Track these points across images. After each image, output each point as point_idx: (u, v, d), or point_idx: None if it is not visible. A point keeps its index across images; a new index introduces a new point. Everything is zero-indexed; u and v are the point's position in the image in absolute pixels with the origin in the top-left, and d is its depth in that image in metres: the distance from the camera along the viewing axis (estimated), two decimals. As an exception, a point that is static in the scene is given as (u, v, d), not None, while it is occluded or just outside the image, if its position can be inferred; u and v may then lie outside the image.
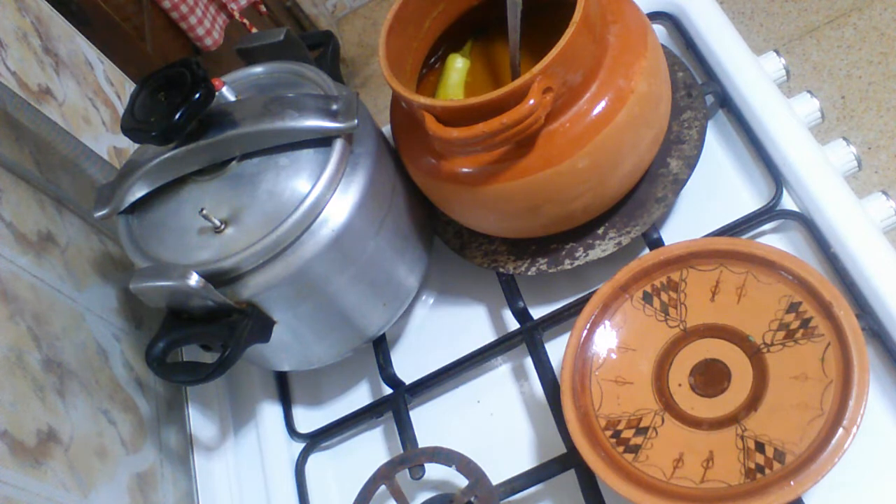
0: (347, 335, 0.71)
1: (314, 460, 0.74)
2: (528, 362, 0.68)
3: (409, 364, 0.74)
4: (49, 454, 0.61)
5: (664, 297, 0.62)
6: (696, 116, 0.69)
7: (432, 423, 0.71)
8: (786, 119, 0.68)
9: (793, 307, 0.57)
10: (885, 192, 0.66)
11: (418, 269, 0.73)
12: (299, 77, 0.69)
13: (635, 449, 0.57)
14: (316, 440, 0.74)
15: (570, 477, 0.61)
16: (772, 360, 0.57)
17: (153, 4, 1.25)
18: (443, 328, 0.76)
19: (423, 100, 0.59)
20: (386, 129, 0.75)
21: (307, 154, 0.63)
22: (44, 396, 0.63)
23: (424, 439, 0.68)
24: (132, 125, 0.63)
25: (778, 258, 0.58)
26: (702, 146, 0.68)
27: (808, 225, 0.64)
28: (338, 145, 0.63)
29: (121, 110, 0.90)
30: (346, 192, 0.63)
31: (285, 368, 0.76)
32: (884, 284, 0.59)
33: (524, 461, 0.66)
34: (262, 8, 1.55)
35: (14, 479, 0.57)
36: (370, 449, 0.74)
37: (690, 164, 0.68)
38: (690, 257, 0.61)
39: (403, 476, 0.65)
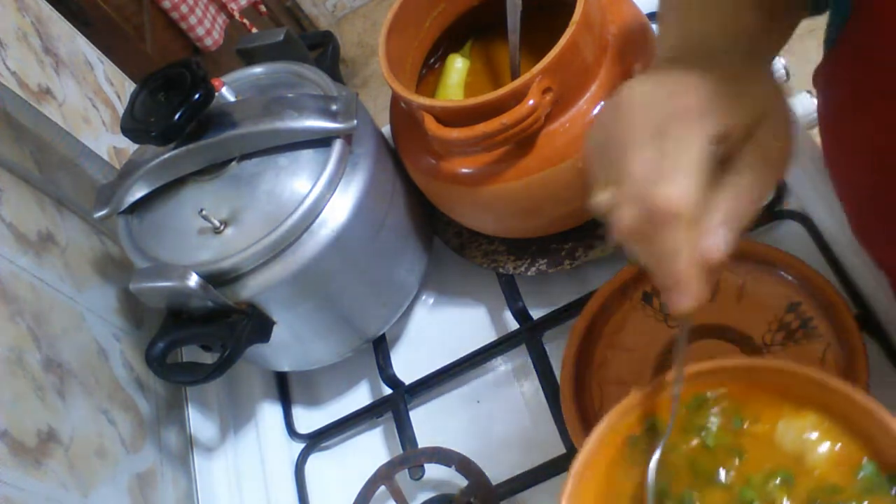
0: (347, 335, 0.71)
1: (314, 460, 0.74)
2: (528, 362, 0.68)
3: (409, 364, 0.74)
4: (49, 454, 0.61)
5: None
6: (696, 116, 0.69)
7: (432, 423, 0.71)
8: (786, 119, 0.68)
9: (793, 307, 0.57)
10: (885, 192, 0.66)
11: (418, 269, 0.73)
12: (299, 77, 0.69)
13: (635, 449, 0.56)
14: (316, 440, 0.74)
15: (570, 477, 0.61)
16: (772, 360, 0.57)
17: (153, 4, 1.25)
18: (443, 328, 0.76)
19: (422, 100, 0.59)
20: (386, 129, 0.75)
21: (307, 154, 0.63)
22: (44, 396, 0.63)
23: (424, 439, 0.68)
24: (132, 125, 0.63)
25: (778, 258, 0.58)
26: (702, 146, 0.68)
27: (808, 225, 0.64)
28: (337, 145, 0.63)
29: (121, 110, 0.90)
30: (345, 193, 0.63)
31: (285, 368, 0.76)
32: (884, 284, 0.59)
33: (524, 461, 0.66)
34: (262, 8, 1.56)
35: (14, 479, 0.57)
36: (370, 449, 0.74)
37: (690, 164, 0.67)
38: (690, 257, 0.61)
39: (403, 476, 0.65)
